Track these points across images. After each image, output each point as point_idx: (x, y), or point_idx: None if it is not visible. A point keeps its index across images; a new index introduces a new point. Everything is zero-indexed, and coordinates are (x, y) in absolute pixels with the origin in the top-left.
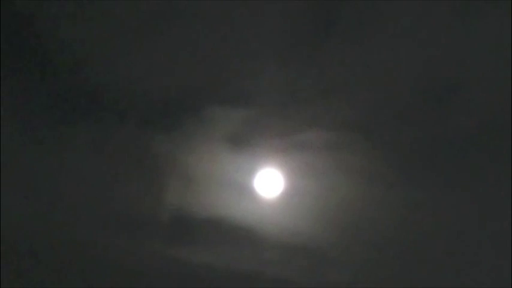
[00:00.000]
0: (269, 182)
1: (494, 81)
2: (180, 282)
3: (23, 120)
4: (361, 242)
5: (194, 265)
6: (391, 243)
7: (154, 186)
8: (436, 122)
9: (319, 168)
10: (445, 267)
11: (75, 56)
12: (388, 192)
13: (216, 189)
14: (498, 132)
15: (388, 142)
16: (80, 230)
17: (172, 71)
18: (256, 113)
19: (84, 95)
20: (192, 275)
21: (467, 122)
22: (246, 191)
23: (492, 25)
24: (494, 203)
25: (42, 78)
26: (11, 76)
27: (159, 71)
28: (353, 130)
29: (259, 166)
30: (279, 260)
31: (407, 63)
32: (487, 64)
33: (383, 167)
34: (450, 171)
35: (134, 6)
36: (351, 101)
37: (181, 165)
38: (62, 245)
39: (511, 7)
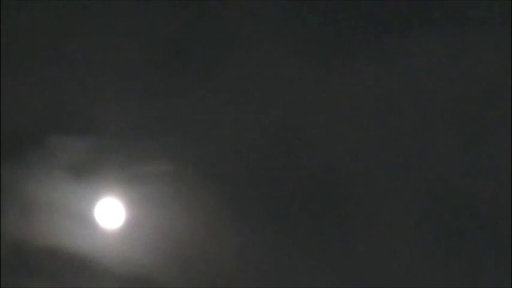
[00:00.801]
0: (110, 213)
1: (333, 125)
2: None
3: None
4: (199, 276)
5: None
6: (227, 277)
7: None
8: (279, 163)
9: (159, 200)
10: None
11: None
12: (225, 228)
13: (56, 218)
14: (340, 176)
15: (228, 178)
16: None
17: (14, 99)
18: (99, 143)
19: None
20: None
21: (308, 165)
22: (86, 221)
23: (334, 71)
24: (334, 243)
25: None
26: None
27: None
28: (194, 164)
29: (100, 196)
30: None
31: (253, 103)
32: (327, 109)
33: (221, 202)
34: (291, 213)
35: None
36: (193, 136)
37: (20, 195)
38: None
39: (351, 55)
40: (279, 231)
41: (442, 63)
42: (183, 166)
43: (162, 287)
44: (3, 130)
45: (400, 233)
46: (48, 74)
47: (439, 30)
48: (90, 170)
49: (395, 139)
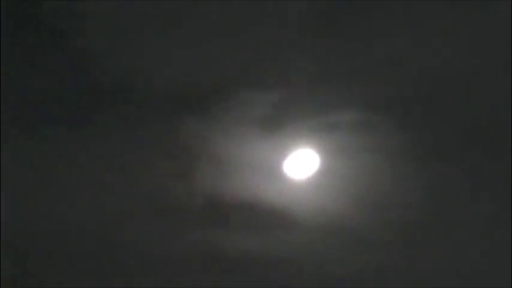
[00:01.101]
0: (301, 164)
1: None
2: (212, 267)
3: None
4: (395, 223)
5: (226, 249)
6: (425, 223)
7: (185, 172)
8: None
9: (351, 149)
10: (479, 246)
11: (102, 43)
12: (421, 172)
13: (248, 172)
14: None
15: (421, 124)
16: (112, 218)
17: (202, 56)
18: (287, 95)
19: (113, 79)
20: (225, 259)
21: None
22: (278, 173)
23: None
24: None
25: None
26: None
27: (189, 56)
28: (385, 111)
29: (291, 148)
30: (313, 242)
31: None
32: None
33: (415, 148)
34: (480, 150)
35: None
36: (383, 82)
37: (212, 150)
38: (93, 233)
39: None
40: (474, 172)
41: None
42: (373, 112)
43: (355, 236)
44: (193, 85)
45: None
46: (233, 28)
47: None
48: (280, 123)
49: None
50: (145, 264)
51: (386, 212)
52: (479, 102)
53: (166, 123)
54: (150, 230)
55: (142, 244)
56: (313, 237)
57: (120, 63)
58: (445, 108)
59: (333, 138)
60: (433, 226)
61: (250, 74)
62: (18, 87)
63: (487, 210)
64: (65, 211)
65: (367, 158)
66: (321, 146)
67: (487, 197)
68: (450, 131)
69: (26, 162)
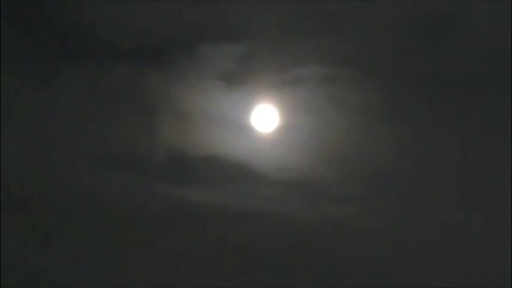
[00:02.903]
0: (264, 119)
1: (492, 12)
2: (176, 219)
3: (12, 61)
4: (356, 177)
5: (191, 203)
6: (386, 177)
7: (148, 125)
8: (434, 55)
9: (314, 104)
10: (445, 200)
11: None
12: (383, 127)
13: (211, 126)
14: (497, 65)
15: (384, 77)
16: (75, 171)
17: (165, 9)
18: (251, 49)
19: (76, 33)
20: (189, 212)
21: (466, 55)
22: (241, 127)
23: None
24: (490, 134)
25: (31, 18)
26: None
27: (151, 9)
28: (348, 65)
29: (254, 103)
30: (276, 195)
31: None
32: None
33: (378, 101)
34: (446, 105)
35: None
36: (346, 36)
37: (176, 104)
38: (57, 186)
39: None
40: (438, 127)
41: None
42: (335, 68)
43: (318, 190)
44: (157, 40)
45: None
46: None
47: None
48: (243, 77)
49: None
50: (109, 215)
51: (345, 166)
52: (447, 55)
53: (130, 77)
54: (113, 182)
55: (107, 195)
56: (275, 190)
57: (82, 16)
58: (409, 64)
59: (296, 93)
60: (396, 179)
61: (214, 27)
62: None
63: (454, 161)
64: (28, 161)
65: (329, 113)
66: (283, 102)
67: (456, 150)
68: (414, 85)
69: None
